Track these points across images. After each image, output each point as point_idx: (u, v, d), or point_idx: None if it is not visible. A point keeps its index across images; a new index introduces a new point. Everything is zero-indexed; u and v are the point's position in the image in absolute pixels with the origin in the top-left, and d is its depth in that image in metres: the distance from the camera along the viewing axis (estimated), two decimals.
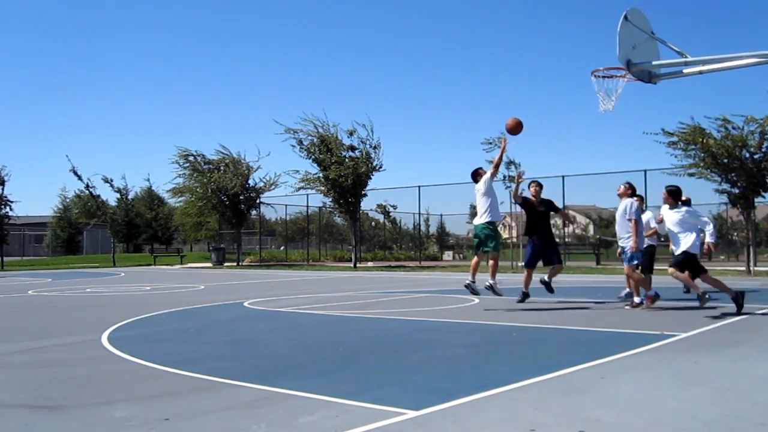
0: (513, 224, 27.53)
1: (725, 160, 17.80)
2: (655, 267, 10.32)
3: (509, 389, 4.12)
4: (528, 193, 9.82)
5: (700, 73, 10.87)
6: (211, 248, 38.52)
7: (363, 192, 26.35)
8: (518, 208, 21.21)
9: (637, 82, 10.81)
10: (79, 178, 31.17)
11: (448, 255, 36.57)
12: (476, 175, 9.40)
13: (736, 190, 18.26)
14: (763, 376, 4.64)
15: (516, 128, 9.25)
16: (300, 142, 26.18)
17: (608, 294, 11.09)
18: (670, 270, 8.02)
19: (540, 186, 9.74)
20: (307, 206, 34.31)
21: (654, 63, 10.88)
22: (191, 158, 30.70)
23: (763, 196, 19.03)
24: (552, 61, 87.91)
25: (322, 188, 26.61)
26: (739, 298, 7.97)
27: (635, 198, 9.16)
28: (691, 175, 18.83)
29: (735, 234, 30.82)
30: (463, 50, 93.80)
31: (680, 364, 5.01)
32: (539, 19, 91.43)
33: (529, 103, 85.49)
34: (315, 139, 26.02)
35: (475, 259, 9.36)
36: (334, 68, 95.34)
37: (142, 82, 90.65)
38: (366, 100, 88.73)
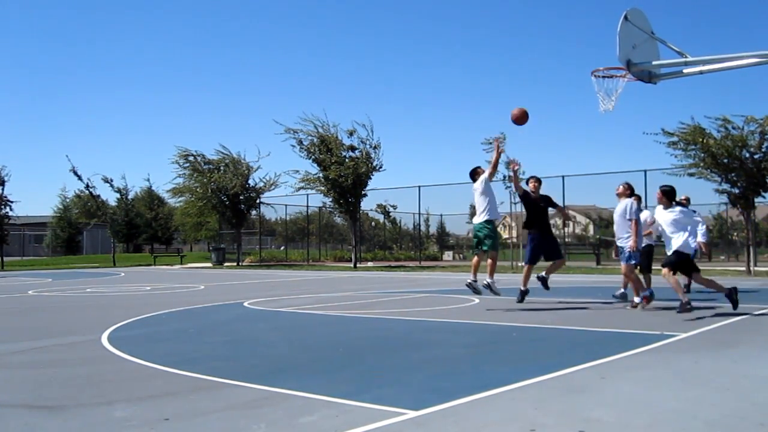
0: (513, 224, 27.52)
1: (725, 160, 17.80)
2: (653, 267, 10.32)
3: (509, 389, 4.12)
4: (527, 187, 9.85)
5: (700, 73, 10.87)
6: (211, 248, 38.53)
7: (363, 192, 26.35)
8: (518, 208, 21.32)
9: (637, 82, 10.82)
10: (79, 178, 31.22)
11: (448, 255, 36.58)
12: (474, 174, 9.41)
13: (736, 190, 18.26)
14: (764, 376, 4.63)
15: (522, 118, 9.25)
16: (300, 142, 26.19)
17: (608, 294, 11.06)
18: (663, 271, 8.00)
19: (539, 181, 9.74)
20: (307, 206, 34.38)
21: (654, 63, 10.89)
22: (191, 158, 30.71)
23: (763, 196, 19.03)
24: (552, 61, 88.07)
25: (322, 188, 26.61)
26: (732, 294, 7.97)
27: (633, 198, 9.18)
28: (691, 175, 18.84)
29: (735, 234, 30.83)
30: (463, 50, 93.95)
31: (680, 364, 5.01)
32: (539, 19, 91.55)
33: (529, 103, 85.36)
34: (315, 139, 26.02)
35: (476, 258, 9.36)
36: (334, 68, 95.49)
37: (142, 82, 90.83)
38: (366, 100, 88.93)
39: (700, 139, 17.70)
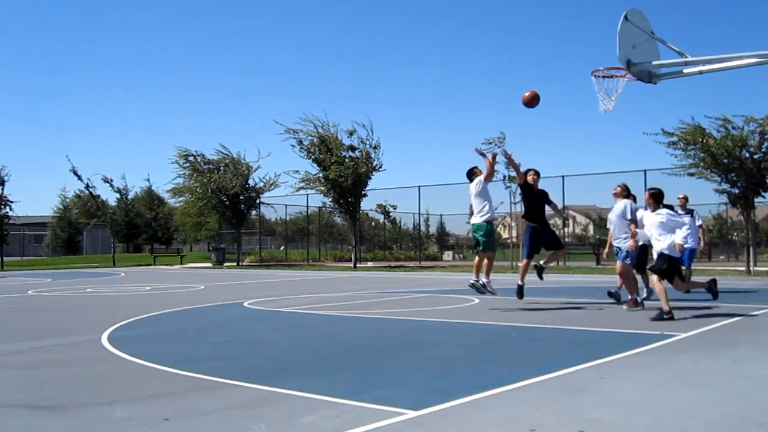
0: (513, 224, 27.53)
1: (725, 160, 17.79)
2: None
3: (509, 389, 4.12)
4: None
5: (700, 73, 10.86)
6: (211, 248, 38.53)
7: (363, 192, 26.34)
8: (518, 208, 21.31)
9: (637, 82, 10.81)
10: (79, 178, 31.20)
11: (448, 255, 36.57)
12: (471, 174, 9.42)
13: (736, 190, 18.25)
14: (763, 376, 4.64)
15: (533, 101, 9.30)
16: (300, 142, 26.18)
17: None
18: (653, 278, 7.95)
19: (538, 174, 9.73)
20: (307, 206, 34.36)
21: (654, 63, 10.88)
22: (191, 158, 30.69)
23: (763, 196, 19.02)
24: (552, 61, 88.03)
25: (322, 188, 26.60)
26: (712, 286, 7.98)
27: (630, 198, 9.20)
28: (691, 175, 18.82)
29: (735, 234, 30.83)
30: (463, 50, 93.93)
31: (680, 364, 5.01)
32: (539, 19, 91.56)
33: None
34: (315, 139, 26.01)
35: (477, 258, 9.37)
36: (334, 68, 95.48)
37: (142, 82, 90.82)
38: (366, 100, 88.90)
39: (700, 139, 17.70)
